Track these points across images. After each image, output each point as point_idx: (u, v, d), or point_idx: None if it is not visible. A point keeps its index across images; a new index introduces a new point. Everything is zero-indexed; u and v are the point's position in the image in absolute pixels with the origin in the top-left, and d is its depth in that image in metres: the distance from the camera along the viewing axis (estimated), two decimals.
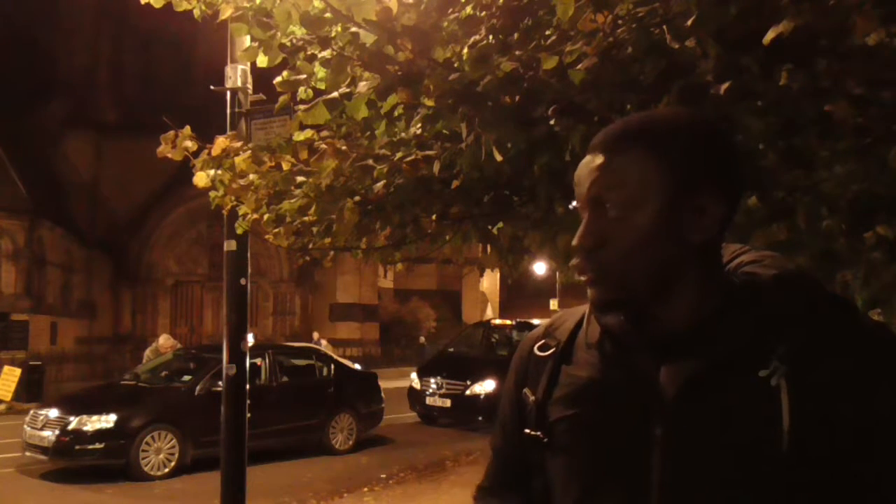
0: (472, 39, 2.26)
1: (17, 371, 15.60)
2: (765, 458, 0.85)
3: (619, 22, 1.98)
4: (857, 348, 0.87)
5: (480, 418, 12.14)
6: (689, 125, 0.95)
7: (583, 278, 0.97)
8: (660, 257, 0.92)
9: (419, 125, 2.70)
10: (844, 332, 0.89)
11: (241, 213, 3.62)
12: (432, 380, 13.01)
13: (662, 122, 0.96)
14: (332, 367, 11.68)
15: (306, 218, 3.21)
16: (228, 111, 5.95)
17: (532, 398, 1.05)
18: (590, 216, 0.95)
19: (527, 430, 1.04)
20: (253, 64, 3.00)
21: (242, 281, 5.99)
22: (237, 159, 3.35)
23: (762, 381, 0.87)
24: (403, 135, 2.85)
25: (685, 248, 0.92)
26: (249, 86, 5.95)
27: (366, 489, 8.57)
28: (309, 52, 2.68)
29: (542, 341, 1.08)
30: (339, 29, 2.51)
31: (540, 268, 19.50)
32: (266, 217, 3.40)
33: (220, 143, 3.50)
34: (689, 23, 1.80)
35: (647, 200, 0.91)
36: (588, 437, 0.97)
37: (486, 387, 12.33)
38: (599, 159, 0.94)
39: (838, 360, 0.86)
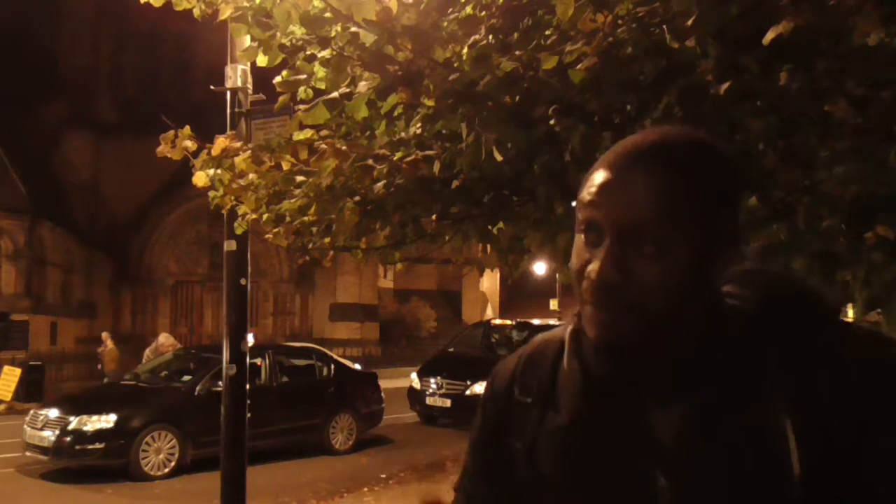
0: (471, 39, 2.26)
1: (17, 371, 15.61)
2: (776, 498, 0.80)
3: (619, 22, 1.98)
4: (859, 374, 0.81)
5: None
6: (721, 148, 0.85)
7: (595, 314, 0.84)
8: (685, 299, 0.82)
9: (419, 125, 2.70)
10: (843, 355, 0.83)
11: (240, 213, 3.62)
12: (432, 380, 13.01)
13: (702, 142, 0.84)
14: (332, 367, 11.68)
15: (306, 218, 3.21)
16: (228, 111, 5.95)
17: (519, 446, 0.94)
18: (618, 246, 0.80)
19: (520, 482, 0.95)
20: (253, 64, 3.01)
21: (242, 281, 6.00)
22: (237, 159, 3.35)
23: (765, 418, 0.81)
24: (403, 135, 2.85)
25: (705, 288, 0.83)
26: (249, 86, 5.96)
27: (366, 489, 8.57)
28: (309, 52, 2.68)
29: (522, 383, 0.97)
30: (339, 29, 2.51)
31: (540, 268, 19.50)
32: (266, 217, 3.40)
33: (220, 142, 3.50)
34: (689, 23, 1.80)
35: (690, 238, 0.79)
36: (585, 490, 0.89)
37: None
38: (643, 181, 0.80)
39: (842, 388, 0.81)
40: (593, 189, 0.83)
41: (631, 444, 0.86)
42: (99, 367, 16.56)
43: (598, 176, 0.84)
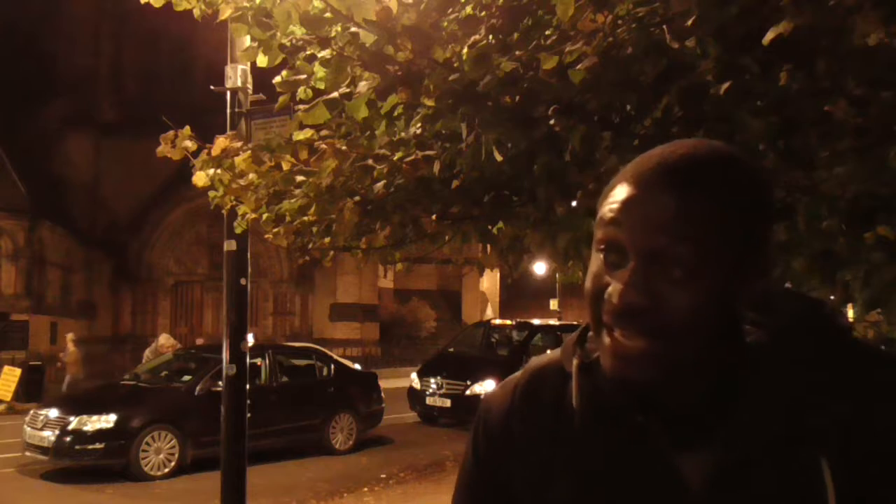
0: (472, 39, 2.26)
1: (17, 371, 15.61)
2: None
3: (619, 22, 1.98)
4: (885, 396, 0.77)
5: None
6: (751, 164, 0.81)
7: (618, 342, 0.77)
8: (715, 328, 0.76)
9: (419, 125, 2.70)
10: (878, 389, 0.78)
11: (240, 213, 3.62)
12: (432, 380, 13.02)
13: (733, 158, 0.78)
14: (332, 367, 11.69)
15: (306, 218, 3.21)
16: (228, 111, 5.96)
17: (526, 487, 0.87)
18: (644, 269, 0.74)
19: None
20: (253, 64, 3.01)
21: (242, 281, 6.00)
22: (237, 159, 3.35)
23: (799, 459, 0.76)
24: (403, 135, 2.85)
25: (733, 317, 0.78)
26: (249, 86, 5.96)
27: (366, 489, 8.57)
28: (309, 52, 2.68)
29: (523, 413, 0.89)
30: (339, 29, 2.51)
31: (540, 268, 19.50)
32: (266, 217, 3.40)
33: (220, 142, 3.50)
34: (689, 23, 1.80)
35: (720, 263, 0.73)
36: None
37: (486, 387, 12.33)
38: (673, 198, 0.73)
39: (873, 415, 0.76)
40: (615, 206, 0.76)
41: (656, 489, 0.80)
42: (59, 364, 16.45)
43: (621, 191, 0.76)
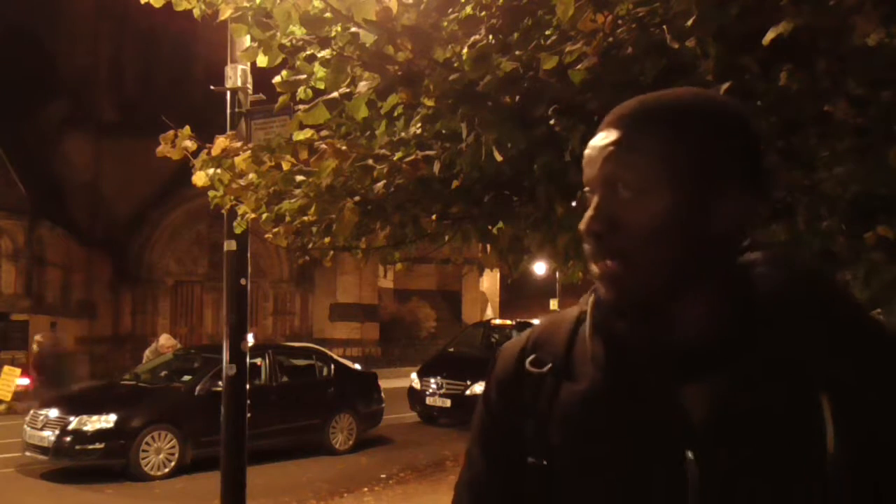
0: (472, 39, 2.26)
1: (17, 371, 15.59)
2: (808, 483, 0.79)
3: (619, 22, 1.98)
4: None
5: None
6: (713, 106, 0.88)
7: (595, 269, 0.86)
8: (677, 247, 0.83)
9: (419, 125, 2.70)
10: (881, 345, 0.83)
11: (240, 212, 3.62)
12: (432, 380, 13.02)
13: (685, 101, 0.88)
14: (332, 367, 11.69)
15: (306, 218, 3.21)
16: (228, 111, 5.96)
17: (532, 422, 0.91)
18: (601, 197, 0.85)
19: (530, 460, 0.90)
20: (253, 64, 3.01)
21: (242, 281, 6.00)
22: (237, 159, 3.34)
23: (800, 394, 0.81)
24: (403, 135, 2.85)
25: (705, 240, 0.84)
26: (249, 86, 5.96)
27: (366, 489, 8.57)
28: (309, 52, 2.68)
29: (534, 356, 0.94)
30: (339, 29, 2.51)
31: (540, 268, 19.46)
32: (266, 217, 3.40)
33: (220, 142, 3.50)
34: (689, 23, 1.80)
35: (665, 183, 0.82)
36: (606, 467, 0.85)
37: None
38: (614, 135, 0.86)
39: (882, 378, 0.81)
40: (587, 150, 0.89)
41: (656, 417, 0.84)
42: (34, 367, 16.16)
43: (593, 138, 0.90)
